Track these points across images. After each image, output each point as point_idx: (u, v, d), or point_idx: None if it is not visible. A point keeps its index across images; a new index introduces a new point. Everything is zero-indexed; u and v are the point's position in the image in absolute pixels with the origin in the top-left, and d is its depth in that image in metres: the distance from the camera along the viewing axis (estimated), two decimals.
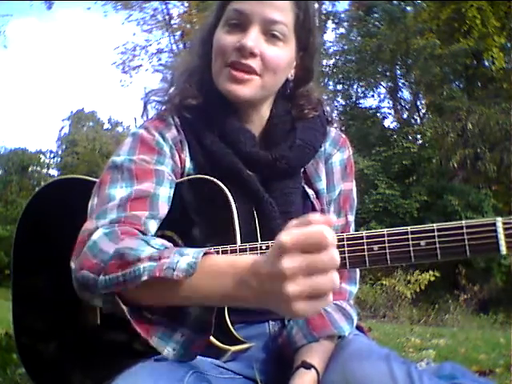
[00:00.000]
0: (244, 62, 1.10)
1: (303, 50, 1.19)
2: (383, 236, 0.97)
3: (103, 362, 1.15)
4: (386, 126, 17.23)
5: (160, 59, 17.81)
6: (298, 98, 1.24)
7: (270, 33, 1.11)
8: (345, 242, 0.99)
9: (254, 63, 1.11)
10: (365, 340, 1.16)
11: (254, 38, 1.10)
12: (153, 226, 1.05)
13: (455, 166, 14.69)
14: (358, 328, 1.22)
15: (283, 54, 1.14)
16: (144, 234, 1.01)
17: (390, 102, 17.52)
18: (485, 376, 2.62)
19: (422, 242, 0.95)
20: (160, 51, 17.87)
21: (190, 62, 1.23)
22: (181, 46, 17.55)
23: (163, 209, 1.07)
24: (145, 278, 0.86)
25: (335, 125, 1.30)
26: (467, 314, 11.10)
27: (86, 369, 1.20)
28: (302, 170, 1.23)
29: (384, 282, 11.13)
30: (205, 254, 0.87)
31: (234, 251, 1.04)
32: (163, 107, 1.20)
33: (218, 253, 1.04)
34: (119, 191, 1.06)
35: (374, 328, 5.01)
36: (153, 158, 1.11)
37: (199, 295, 0.87)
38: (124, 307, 0.93)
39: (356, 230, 1.30)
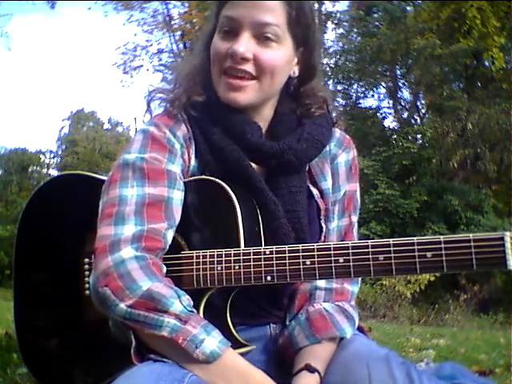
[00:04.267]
0: (238, 68, 1.11)
1: (302, 46, 1.19)
2: (389, 246, 0.97)
3: (105, 360, 1.15)
4: (386, 126, 17.23)
5: (161, 59, 17.83)
6: (304, 97, 1.24)
7: (262, 36, 1.11)
8: (350, 251, 0.99)
9: (248, 67, 1.12)
10: (364, 340, 1.17)
11: (244, 44, 1.10)
12: (170, 235, 1.07)
13: (455, 165, 14.68)
14: (358, 328, 1.22)
15: (278, 55, 1.14)
16: (164, 248, 1.05)
17: (390, 102, 17.51)
18: (485, 376, 2.62)
19: (428, 254, 0.94)
20: (160, 51, 17.88)
21: (194, 64, 1.24)
22: (181, 46, 17.55)
23: (177, 214, 1.09)
24: (164, 333, 0.94)
25: (340, 124, 1.30)
26: (467, 313, 11.08)
27: (88, 366, 1.21)
28: (307, 168, 1.23)
29: (384, 282, 11.12)
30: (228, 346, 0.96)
31: (237, 255, 1.05)
32: (169, 105, 1.20)
33: (221, 256, 1.06)
34: (130, 191, 1.06)
35: (374, 328, 5.00)
36: (164, 157, 1.11)
37: (203, 376, 0.94)
38: (133, 342, 0.98)
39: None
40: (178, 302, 0.96)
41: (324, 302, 1.19)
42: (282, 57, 1.14)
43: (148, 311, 0.95)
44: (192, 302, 1.00)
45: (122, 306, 0.96)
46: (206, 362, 0.94)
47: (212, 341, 0.95)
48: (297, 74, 1.22)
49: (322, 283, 1.20)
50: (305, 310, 1.18)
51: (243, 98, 1.13)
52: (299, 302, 1.20)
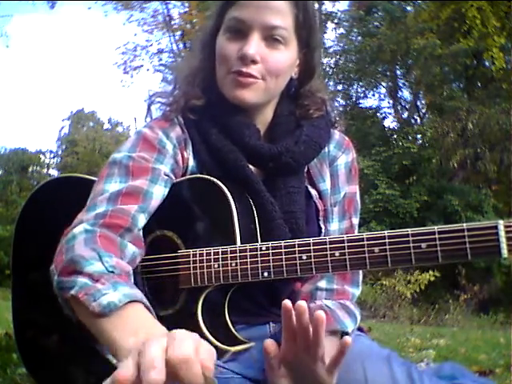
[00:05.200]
0: (245, 71, 1.11)
1: (305, 47, 1.19)
2: (384, 238, 0.97)
3: (104, 359, 1.14)
4: (386, 126, 17.23)
5: (161, 59, 17.86)
6: (303, 97, 1.24)
7: (270, 38, 1.12)
8: (345, 244, 0.99)
9: (255, 70, 1.12)
10: (366, 341, 1.17)
11: (254, 46, 1.10)
12: (142, 219, 1.05)
13: (455, 165, 14.68)
14: (359, 328, 1.22)
15: (285, 58, 1.14)
16: (130, 229, 1.01)
17: (390, 102, 17.52)
18: (485, 376, 2.62)
19: (423, 245, 0.95)
20: (161, 51, 17.91)
21: (193, 65, 1.24)
22: (181, 45, 17.57)
23: (154, 204, 1.08)
24: (71, 292, 0.87)
25: (339, 126, 1.30)
26: (467, 313, 11.09)
27: (87, 366, 1.20)
28: (306, 169, 1.23)
29: (384, 282, 11.12)
30: (133, 301, 0.84)
31: (234, 252, 1.05)
32: (168, 108, 1.21)
33: (218, 253, 1.05)
34: (113, 186, 1.07)
35: (373, 328, 5.02)
36: (152, 156, 1.11)
37: (102, 337, 0.84)
38: (72, 314, 0.92)
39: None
40: (99, 263, 0.90)
41: (325, 299, 1.19)
42: (288, 59, 1.15)
43: (69, 276, 0.90)
44: (127, 267, 0.95)
45: (56, 277, 0.92)
46: (103, 315, 0.83)
47: (114, 294, 0.84)
48: (297, 75, 1.22)
49: (322, 284, 1.20)
50: None
51: (250, 96, 1.13)
52: None
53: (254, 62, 1.11)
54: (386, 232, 0.98)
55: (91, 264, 0.89)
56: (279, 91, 1.20)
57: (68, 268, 0.91)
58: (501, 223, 0.91)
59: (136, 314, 0.84)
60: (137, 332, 0.77)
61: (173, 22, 17.67)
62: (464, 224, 0.93)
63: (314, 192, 1.23)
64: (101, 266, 0.90)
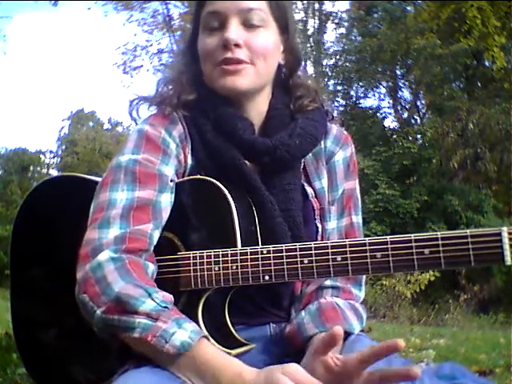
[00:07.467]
0: (232, 57, 1.11)
1: (285, 31, 1.20)
2: (386, 243, 0.96)
3: (104, 359, 1.14)
4: (386, 126, 17.22)
5: (161, 59, 17.83)
6: (296, 88, 1.24)
7: (249, 22, 1.13)
8: (347, 249, 0.99)
9: (241, 54, 1.12)
10: (367, 341, 1.16)
11: (234, 30, 1.11)
12: (156, 235, 1.06)
13: (455, 165, 14.69)
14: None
15: (267, 38, 1.15)
16: (148, 250, 1.03)
17: (390, 102, 17.52)
18: (485, 376, 2.62)
19: (426, 251, 0.94)
20: (161, 51, 17.89)
21: (179, 67, 1.25)
22: (181, 46, 17.56)
23: (166, 214, 1.08)
24: (136, 335, 0.91)
25: (337, 124, 1.28)
26: (467, 313, 11.08)
27: (87, 365, 1.20)
28: (302, 166, 1.22)
29: (384, 282, 11.11)
30: (201, 337, 0.92)
31: (234, 255, 1.04)
32: (162, 106, 1.19)
33: (218, 256, 1.05)
34: (120, 195, 1.05)
35: (373, 328, 5.01)
36: (157, 158, 1.10)
37: (177, 370, 0.91)
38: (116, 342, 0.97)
39: None
40: (150, 300, 0.93)
41: (335, 297, 1.18)
42: (270, 40, 1.16)
43: (120, 314, 0.92)
44: (170, 297, 0.97)
45: (98, 312, 0.94)
46: (178, 354, 0.90)
47: (183, 333, 0.90)
48: (284, 61, 1.23)
49: (327, 282, 1.19)
50: (316, 302, 1.16)
51: (241, 83, 1.12)
52: (305, 301, 1.19)
53: (237, 45, 1.11)
54: (388, 237, 0.97)
55: (143, 302, 0.92)
56: (270, 76, 1.19)
57: (117, 308, 0.93)
58: (504, 230, 0.90)
59: (206, 351, 0.92)
60: (212, 369, 0.90)
61: (173, 23, 17.65)
62: (467, 230, 0.92)
63: (310, 190, 1.21)
64: (152, 303, 0.93)
